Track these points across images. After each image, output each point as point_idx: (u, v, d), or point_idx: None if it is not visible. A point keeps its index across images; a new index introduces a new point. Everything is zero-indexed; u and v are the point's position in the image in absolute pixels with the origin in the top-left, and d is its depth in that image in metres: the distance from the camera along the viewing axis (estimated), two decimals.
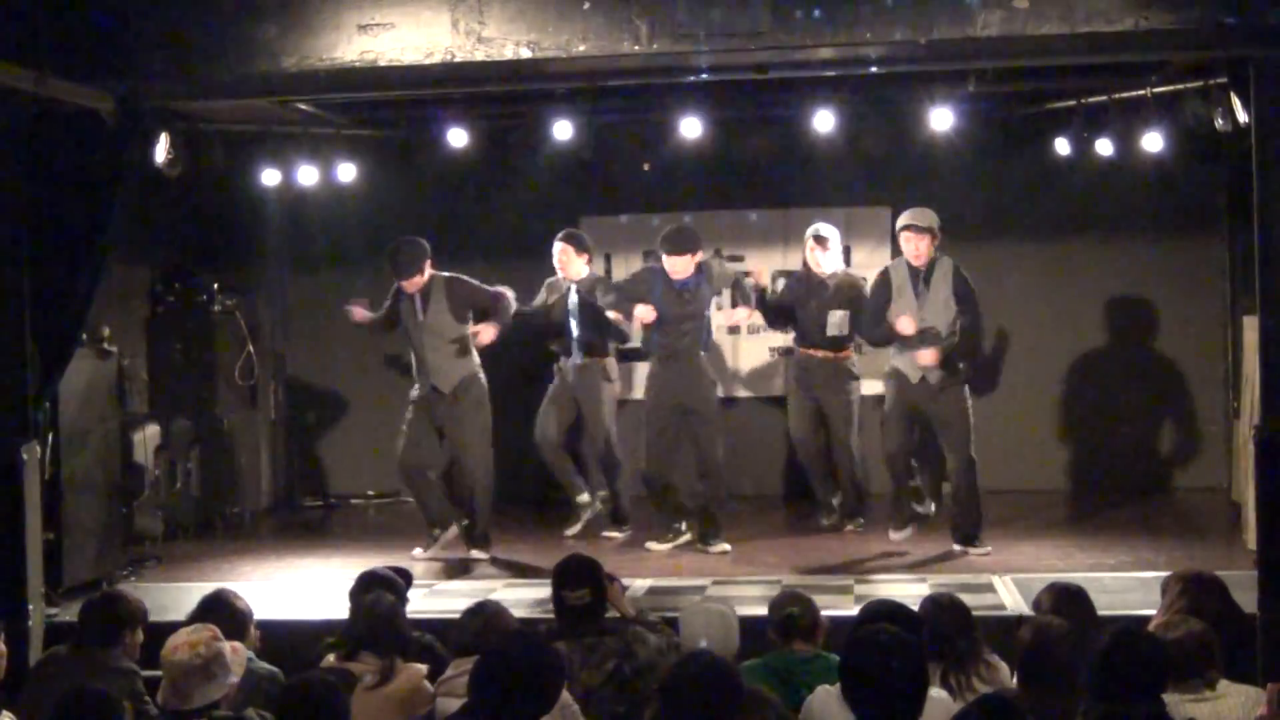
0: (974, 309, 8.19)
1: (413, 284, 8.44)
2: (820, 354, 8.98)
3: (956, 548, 8.28)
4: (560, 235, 9.02)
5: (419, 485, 8.62)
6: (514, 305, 8.71)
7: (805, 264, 9.03)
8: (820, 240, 8.89)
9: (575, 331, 8.90)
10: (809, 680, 4.75)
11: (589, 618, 4.97)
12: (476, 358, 8.57)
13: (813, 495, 9.37)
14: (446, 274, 8.55)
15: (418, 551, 8.55)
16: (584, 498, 8.97)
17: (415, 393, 8.58)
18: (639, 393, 9.15)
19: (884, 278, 8.36)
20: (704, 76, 7.49)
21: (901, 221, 8.20)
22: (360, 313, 8.73)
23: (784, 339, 9.85)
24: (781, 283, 9.32)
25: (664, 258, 8.50)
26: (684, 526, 8.72)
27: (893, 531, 8.40)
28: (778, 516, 9.55)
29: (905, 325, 8.14)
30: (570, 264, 8.96)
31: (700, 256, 8.57)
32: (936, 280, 8.15)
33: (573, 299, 8.90)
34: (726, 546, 8.59)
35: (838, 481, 9.16)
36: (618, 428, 9.09)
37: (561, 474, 9.05)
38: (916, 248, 8.09)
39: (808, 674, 4.85)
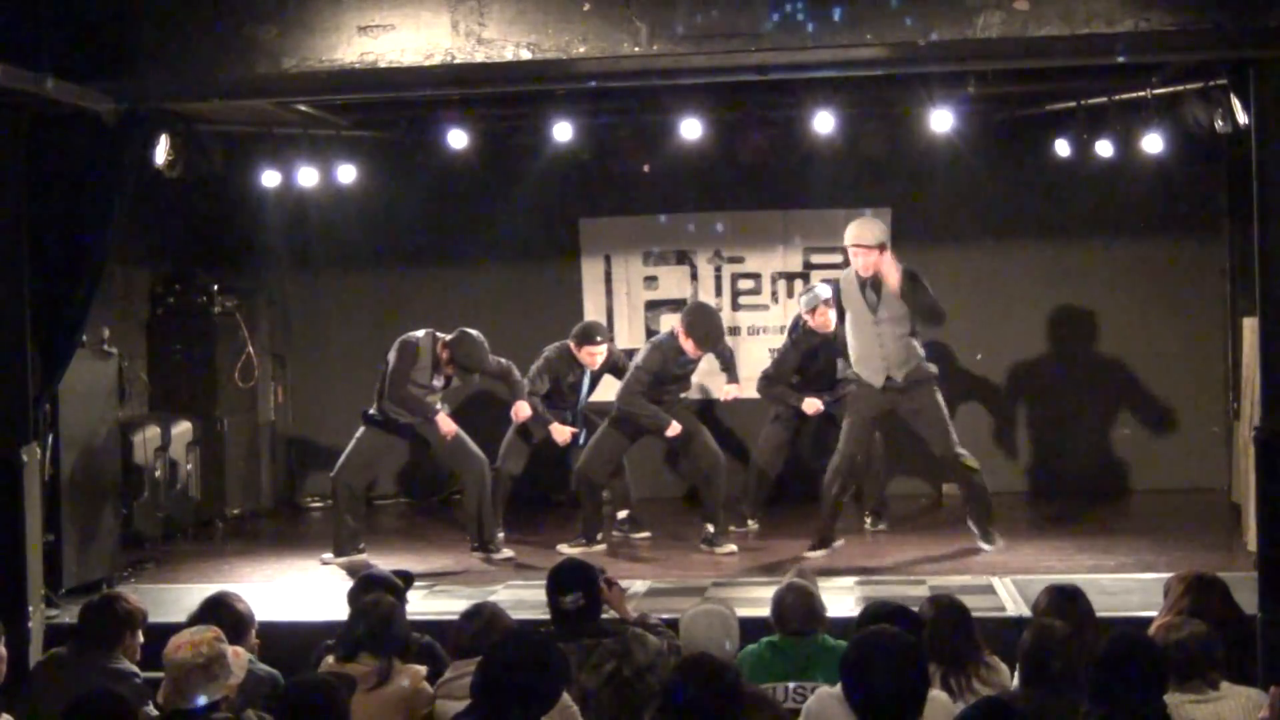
0: (924, 287, 8.15)
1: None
2: (828, 396, 9.13)
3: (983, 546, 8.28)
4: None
5: (353, 501, 8.69)
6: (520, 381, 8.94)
7: (805, 324, 9.09)
8: (829, 303, 8.87)
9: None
10: (806, 656, 4.92)
11: (584, 621, 4.97)
12: None
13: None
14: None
15: (326, 556, 8.66)
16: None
17: (376, 413, 8.65)
18: None
19: (835, 293, 8.45)
20: (704, 78, 7.49)
21: (849, 239, 8.21)
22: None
23: (783, 337, 9.85)
24: (788, 348, 9.38)
25: (684, 338, 8.62)
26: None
27: (813, 550, 8.41)
28: (778, 517, 9.53)
29: (810, 405, 8.97)
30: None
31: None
32: (886, 290, 8.16)
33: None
34: (733, 548, 8.62)
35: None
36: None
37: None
38: (865, 263, 8.15)
39: (805, 654, 4.95)
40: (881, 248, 8.13)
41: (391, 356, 8.60)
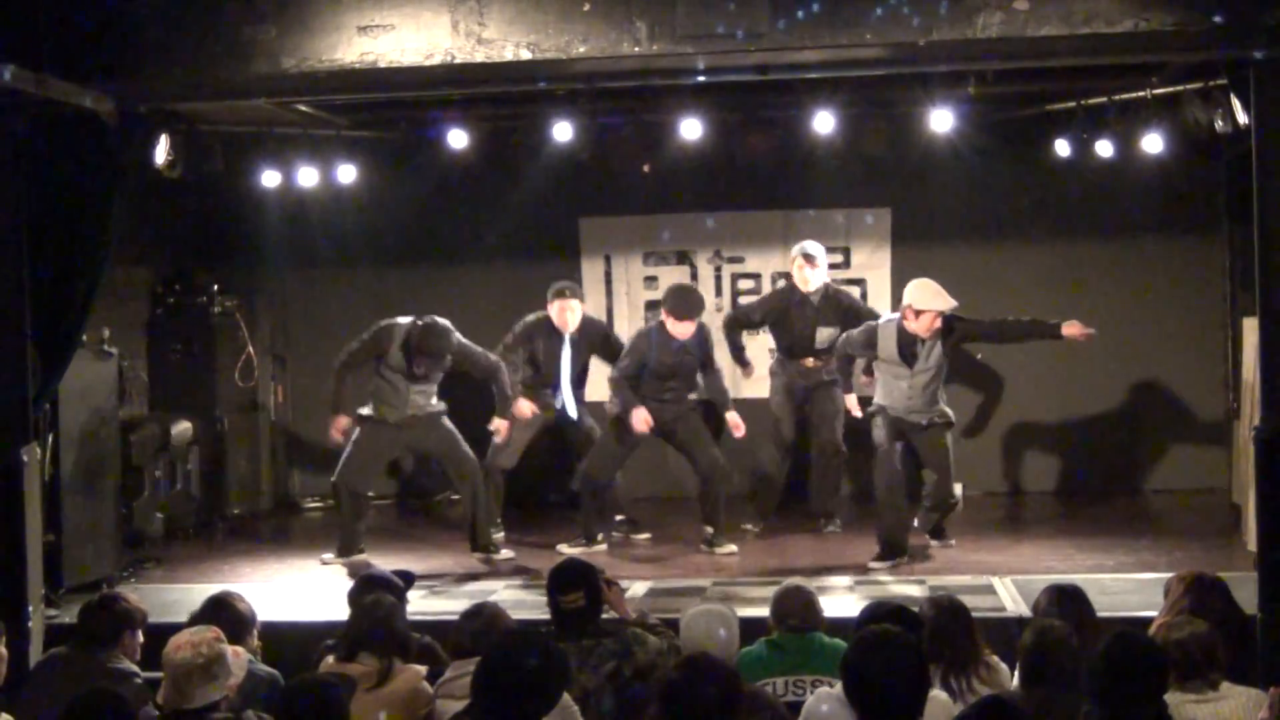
0: (971, 321, 8.27)
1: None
2: (812, 362, 9.13)
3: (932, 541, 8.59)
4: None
5: (357, 503, 8.66)
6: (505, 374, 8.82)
7: (790, 279, 9.16)
8: (809, 258, 9.02)
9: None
10: (803, 653, 4.98)
11: (584, 621, 4.97)
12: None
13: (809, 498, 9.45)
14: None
15: (327, 556, 8.66)
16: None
17: (371, 413, 8.64)
18: None
19: (870, 337, 8.38)
20: (704, 78, 7.49)
21: (927, 303, 8.07)
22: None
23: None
24: (765, 297, 9.44)
25: (667, 318, 8.61)
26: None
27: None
28: (779, 518, 9.52)
29: (851, 402, 8.73)
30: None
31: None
32: (929, 346, 8.20)
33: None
34: (733, 548, 8.62)
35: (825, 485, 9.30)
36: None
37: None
38: (929, 327, 8.11)
39: (803, 650, 5.00)
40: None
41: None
